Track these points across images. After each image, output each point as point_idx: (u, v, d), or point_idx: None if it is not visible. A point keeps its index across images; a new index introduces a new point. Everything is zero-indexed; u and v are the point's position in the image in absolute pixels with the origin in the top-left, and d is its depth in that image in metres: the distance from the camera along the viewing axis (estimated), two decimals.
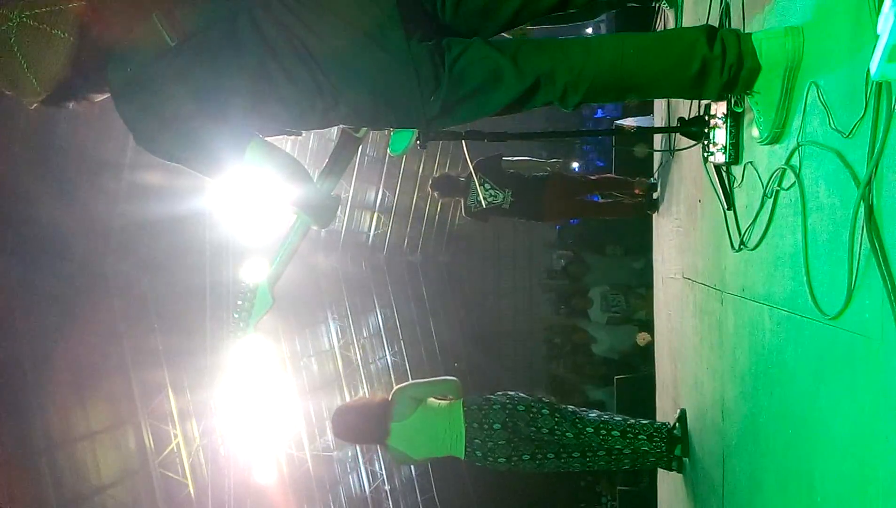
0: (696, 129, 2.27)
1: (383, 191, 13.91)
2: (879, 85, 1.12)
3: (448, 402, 3.11)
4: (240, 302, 1.86)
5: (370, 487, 11.75)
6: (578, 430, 3.03)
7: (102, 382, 6.99)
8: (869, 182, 1.14)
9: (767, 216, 1.70)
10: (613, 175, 5.26)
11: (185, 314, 7.89)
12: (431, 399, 3.11)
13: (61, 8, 1.50)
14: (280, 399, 9.58)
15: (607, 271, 7.30)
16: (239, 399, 8.51)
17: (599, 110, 11.87)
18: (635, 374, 6.30)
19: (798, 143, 1.50)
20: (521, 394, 3.16)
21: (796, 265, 1.49)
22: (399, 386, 3.17)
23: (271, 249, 2.02)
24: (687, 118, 2.37)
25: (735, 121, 1.93)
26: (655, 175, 4.63)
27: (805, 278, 1.42)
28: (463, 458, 3.05)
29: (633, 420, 3.17)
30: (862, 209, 1.15)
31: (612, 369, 8.06)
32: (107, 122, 5.79)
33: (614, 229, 7.35)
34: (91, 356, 6.77)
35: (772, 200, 1.67)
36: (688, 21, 2.77)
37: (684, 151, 3.04)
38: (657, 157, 4.54)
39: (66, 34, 1.50)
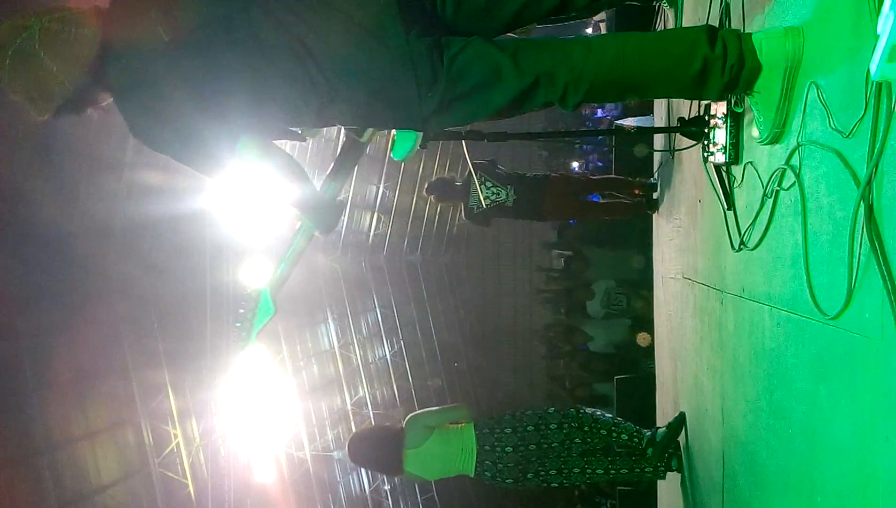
0: (697, 129, 2.27)
1: (383, 191, 13.91)
2: (879, 85, 1.12)
3: (460, 426, 3.14)
4: (241, 310, 1.85)
5: (370, 487, 11.75)
6: (585, 434, 3.10)
7: (103, 382, 6.99)
8: (869, 182, 1.14)
9: (767, 216, 1.70)
10: (614, 175, 5.27)
11: (185, 315, 7.89)
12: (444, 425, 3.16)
13: (77, 9, 1.56)
14: (280, 399, 9.58)
15: (610, 267, 7.29)
16: (239, 399, 8.51)
17: (599, 110, 11.86)
18: (635, 374, 6.30)
19: (798, 143, 1.50)
20: (529, 411, 3.20)
21: (796, 265, 1.49)
22: (412, 415, 3.22)
23: (271, 249, 2.02)
24: (687, 118, 2.37)
25: (735, 121, 1.93)
26: (655, 175, 4.63)
27: (805, 278, 1.42)
28: (473, 476, 3.13)
29: (637, 439, 3.22)
30: (862, 209, 1.15)
31: (612, 366, 8.07)
32: (107, 122, 5.79)
33: (614, 229, 7.36)
34: (91, 356, 6.77)
35: (772, 200, 1.67)
36: (688, 21, 2.77)
37: (684, 151, 3.04)
38: (657, 157, 4.54)
39: (91, 31, 1.55)
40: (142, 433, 7.39)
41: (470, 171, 4.42)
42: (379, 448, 3.17)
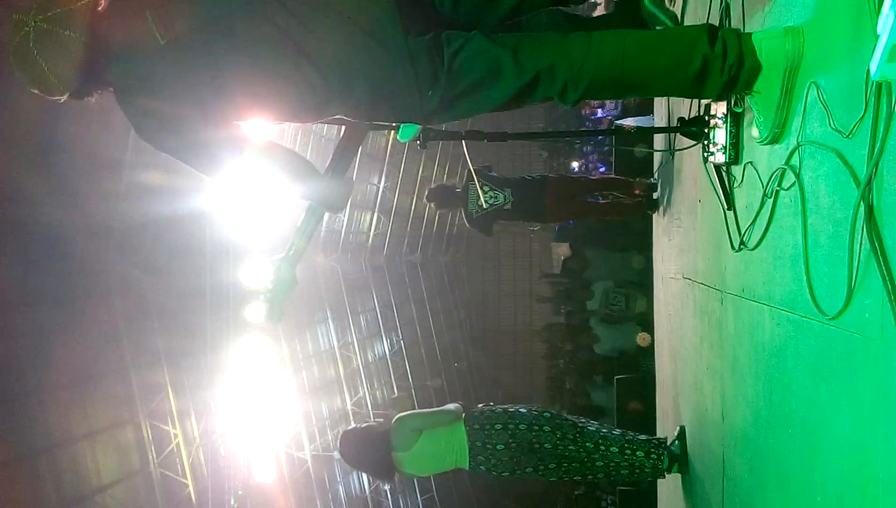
0: (696, 129, 2.27)
1: (383, 191, 13.92)
2: (879, 85, 1.12)
3: (450, 424, 3.10)
4: (267, 285, 1.87)
5: (370, 487, 11.74)
6: (579, 445, 3.06)
7: (102, 382, 6.99)
8: (869, 182, 1.14)
9: (767, 216, 1.70)
10: (613, 175, 5.26)
11: (185, 314, 7.89)
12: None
13: (70, 8, 1.56)
14: (280, 399, 9.58)
15: (609, 267, 7.30)
16: (239, 399, 8.51)
17: (599, 110, 11.86)
18: (636, 374, 6.31)
19: (798, 143, 1.50)
20: (522, 409, 3.14)
21: (796, 265, 1.49)
22: (399, 416, 3.16)
23: (271, 249, 2.04)
24: (687, 118, 2.37)
25: (735, 121, 1.93)
26: (655, 175, 4.63)
27: (805, 279, 1.42)
28: (468, 469, 3.11)
29: (631, 436, 3.18)
30: (862, 209, 1.15)
31: (612, 368, 8.06)
32: (107, 121, 5.80)
33: (614, 229, 7.36)
34: (91, 355, 6.77)
35: (772, 200, 1.67)
36: (688, 21, 2.77)
37: (684, 151, 3.04)
38: (657, 157, 4.54)
39: (77, 34, 1.56)
40: (142, 432, 7.39)
41: (468, 176, 4.42)
42: (366, 452, 3.13)
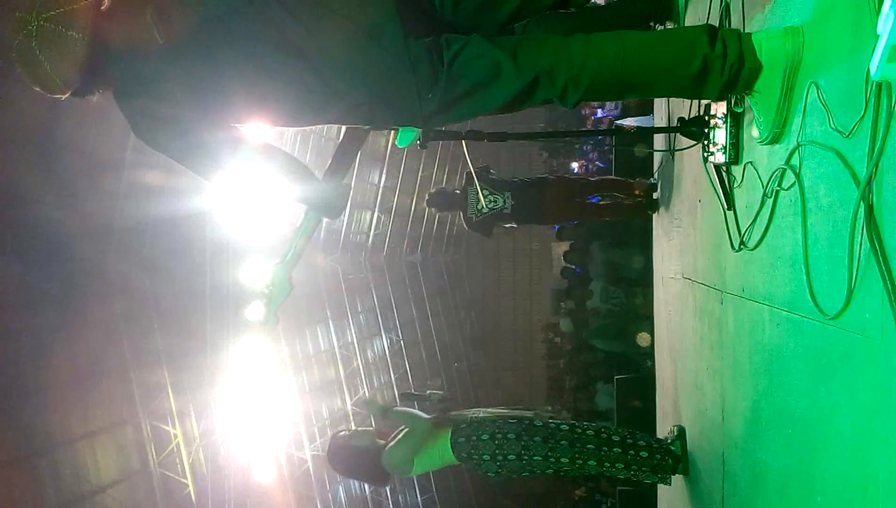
0: (696, 129, 2.27)
1: (383, 191, 13.91)
2: (879, 85, 1.12)
3: (437, 438, 3.03)
4: (263, 289, 1.87)
5: (370, 487, 11.74)
6: (574, 463, 2.97)
7: (102, 382, 6.99)
8: (869, 182, 1.14)
9: (767, 216, 1.70)
10: (613, 176, 5.26)
11: (185, 314, 7.89)
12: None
13: (73, 8, 1.56)
14: (280, 399, 9.58)
15: (609, 266, 7.30)
16: (239, 399, 8.51)
17: (599, 110, 11.86)
18: (636, 374, 6.30)
19: (798, 143, 1.50)
20: (511, 420, 3.00)
21: (796, 265, 1.49)
22: (389, 450, 3.06)
23: (271, 249, 2.04)
24: (687, 118, 2.37)
25: (735, 121, 1.93)
26: (655, 175, 4.63)
27: (805, 278, 1.42)
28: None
29: (631, 454, 3.02)
30: (862, 209, 1.15)
31: (612, 366, 8.05)
32: (107, 121, 5.80)
33: (614, 229, 7.37)
34: (91, 356, 6.77)
35: (772, 200, 1.67)
36: (688, 21, 2.77)
37: (684, 151, 3.04)
38: (657, 157, 4.54)
39: (80, 33, 1.56)
40: (142, 432, 7.39)
41: (467, 178, 4.41)
42: (359, 466, 3.12)
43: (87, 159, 6.42)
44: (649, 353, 5.31)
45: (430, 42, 1.61)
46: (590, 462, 2.99)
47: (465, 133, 2.74)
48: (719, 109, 1.97)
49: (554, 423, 3.04)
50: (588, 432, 3.02)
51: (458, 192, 4.71)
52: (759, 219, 1.77)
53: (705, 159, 2.20)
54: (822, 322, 1.34)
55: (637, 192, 4.59)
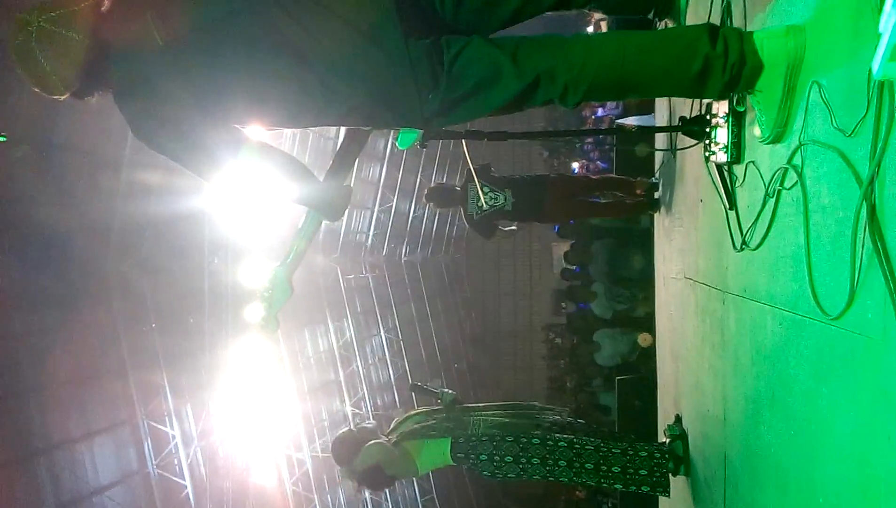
0: (698, 128, 2.26)
1: (383, 191, 13.91)
2: (881, 84, 1.11)
3: (437, 444, 3.02)
4: (263, 293, 1.87)
5: (370, 491, 11.71)
6: (570, 478, 2.98)
7: (101, 382, 6.99)
8: (871, 181, 1.14)
9: (769, 216, 1.70)
10: (615, 175, 5.25)
11: (184, 314, 7.88)
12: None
13: (73, 9, 1.57)
14: (279, 400, 9.57)
15: (610, 266, 7.27)
16: (237, 400, 8.50)
17: (600, 109, 11.85)
18: (637, 374, 6.29)
19: (800, 142, 1.50)
20: (509, 439, 2.97)
21: (798, 265, 1.49)
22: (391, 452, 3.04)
23: (271, 249, 2.03)
24: (688, 117, 2.36)
25: (737, 120, 1.92)
26: (657, 175, 4.62)
27: (807, 278, 1.41)
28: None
29: (632, 471, 3.00)
30: (864, 209, 1.15)
31: (613, 369, 8.04)
32: (106, 121, 5.79)
33: (614, 228, 7.36)
34: (90, 356, 6.77)
35: (774, 199, 1.66)
36: (689, 20, 2.76)
37: (686, 150, 3.04)
38: (658, 156, 4.53)
39: (79, 35, 1.56)
40: (140, 433, 7.38)
41: (468, 176, 4.39)
42: (362, 475, 3.07)
43: (87, 159, 6.42)
44: (650, 353, 5.31)
45: (430, 44, 1.61)
46: (588, 483, 3.01)
47: (465, 133, 2.74)
48: (721, 108, 1.97)
49: (552, 440, 2.98)
50: (587, 447, 2.97)
51: (458, 189, 4.69)
52: (760, 219, 1.77)
53: (707, 159, 2.20)
54: (824, 323, 1.34)
55: (638, 191, 4.59)
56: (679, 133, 2.74)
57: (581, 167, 13.31)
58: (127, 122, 1.66)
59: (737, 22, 1.94)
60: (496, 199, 4.47)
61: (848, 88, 1.27)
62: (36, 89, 1.64)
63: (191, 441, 8.02)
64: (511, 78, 1.60)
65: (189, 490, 7.79)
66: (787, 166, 1.56)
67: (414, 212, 15.45)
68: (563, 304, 10.95)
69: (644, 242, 5.57)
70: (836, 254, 1.30)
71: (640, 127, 4.63)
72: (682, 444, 3.11)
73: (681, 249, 3.30)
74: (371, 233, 14.03)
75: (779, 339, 1.66)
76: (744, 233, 1.91)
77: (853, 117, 1.22)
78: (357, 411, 12.37)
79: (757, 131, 1.69)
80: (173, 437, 7.70)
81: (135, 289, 7.33)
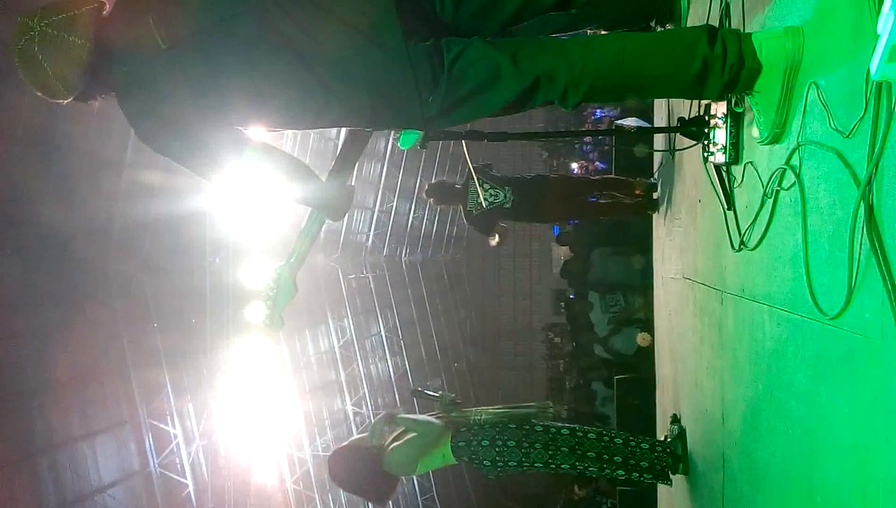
0: (697, 129, 2.27)
1: (383, 191, 13.91)
2: (879, 85, 1.12)
3: (439, 440, 3.04)
4: (268, 291, 1.87)
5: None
6: (573, 464, 2.98)
7: (103, 382, 6.99)
8: (869, 182, 1.14)
9: (767, 216, 1.70)
10: (613, 175, 5.25)
11: (185, 314, 7.88)
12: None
13: (74, 13, 1.57)
14: (280, 400, 9.58)
15: (605, 272, 7.27)
16: (239, 400, 8.51)
17: (598, 110, 11.85)
18: (636, 374, 6.29)
19: (798, 143, 1.50)
20: (511, 426, 3.00)
21: (796, 265, 1.49)
22: (392, 448, 3.04)
23: (272, 249, 2.04)
24: (687, 118, 2.37)
25: (735, 121, 1.93)
26: (655, 175, 4.63)
27: (805, 278, 1.42)
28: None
29: (633, 462, 3.02)
30: (862, 209, 1.15)
31: (612, 369, 8.04)
32: (107, 121, 5.80)
33: (614, 229, 7.36)
34: (91, 355, 6.77)
35: (772, 200, 1.67)
36: (689, 21, 2.77)
37: (684, 151, 3.04)
38: (657, 157, 4.53)
39: (82, 39, 1.57)
40: (142, 433, 7.39)
41: (468, 173, 4.39)
42: (361, 473, 3.08)
43: (87, 159, 6.42)
44: (649, 353, 5.31)
45: (430, 45, 1.61)
46: (590, 469, 3.01)
47: (466, 133, 2.75)
48: (719, 109, 1.98)
49: (554, 428, 3.02)
50: (590, 435, 3.01)
51: (458, 186, 4.69)
52: (759, 219, 1.77)
53: (705, 159, 2.21)
54: (823, 323, 1.34)
55: (637, 191, 4.59)
56: (678, 134, 2.75)
57: (580, 168, 13.30)
58: (130, 123, 1.66)
59: (735, 23, 1.95)
60: (496, 195, 4.46)
61: (846, 88, 1.27)
62: (39, 94, 1.64)
63: (192, 441, 8.03)
64: (511, 79, 1.61)
65: (191, 489, 7.80)
66: (785, 167, 1.56)
67: (414, 212, 15.46)
68: (563, 304, 10.96)
69: (643, 244, 5.57)
70: (833, 254, 1.30)
71: (638, 128, 4.62)
72: (681, 443, 3.12)
73: (679, 249, 3.31)
74: (371, 233, 14.04)
75: (777, 339, 1.67)
76: (742, 233, 1.92)
77: (851, 118, 1.22)
78: (358, 410, 12.37)
79: (755, 132, 1.70)
80: (175, 436, 7.71)
81: (136, 289, 7.34)
